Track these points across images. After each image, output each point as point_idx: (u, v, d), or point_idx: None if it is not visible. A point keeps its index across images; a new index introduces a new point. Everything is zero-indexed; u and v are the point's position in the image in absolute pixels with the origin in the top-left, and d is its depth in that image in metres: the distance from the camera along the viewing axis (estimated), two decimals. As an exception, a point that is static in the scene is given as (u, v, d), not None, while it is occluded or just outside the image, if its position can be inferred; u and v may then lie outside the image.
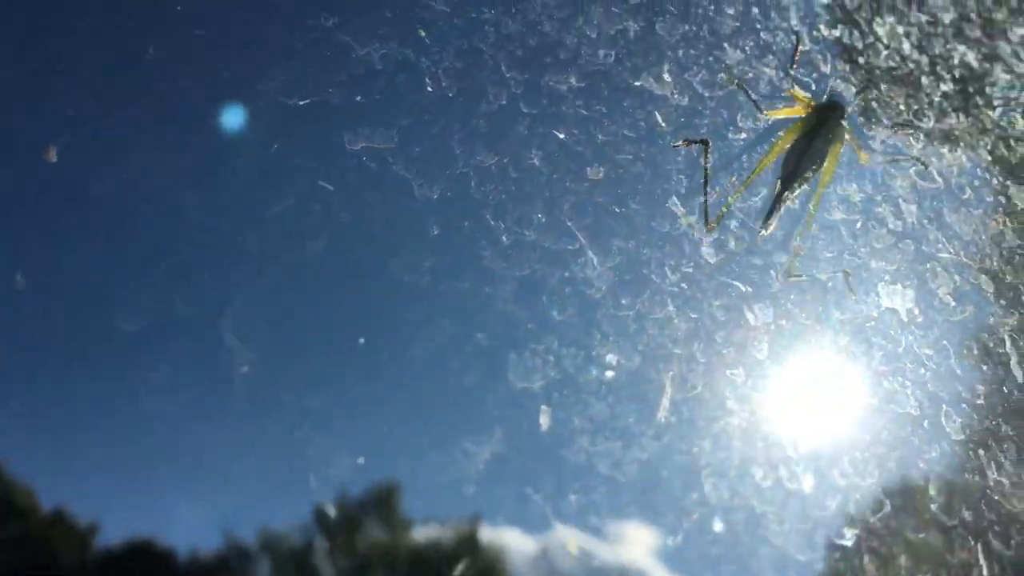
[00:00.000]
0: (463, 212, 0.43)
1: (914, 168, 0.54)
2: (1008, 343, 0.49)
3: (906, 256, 0.51)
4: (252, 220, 0.42)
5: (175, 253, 0.41)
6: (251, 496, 0.38)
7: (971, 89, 0.62)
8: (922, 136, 0.57)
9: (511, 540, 0.38)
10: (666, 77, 0.54)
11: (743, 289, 0.46)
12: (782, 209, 0.50)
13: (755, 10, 0.60)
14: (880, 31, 0.63)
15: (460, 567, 0.38)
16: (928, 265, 0.51)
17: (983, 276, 0.52)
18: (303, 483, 0.37)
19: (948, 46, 0.64)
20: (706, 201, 0.48)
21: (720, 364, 0.43)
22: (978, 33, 0.66)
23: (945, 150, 0.57)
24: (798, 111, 0.54)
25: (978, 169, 0.57)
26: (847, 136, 0.54)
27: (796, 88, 0.55)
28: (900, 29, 0.63)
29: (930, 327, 0.49)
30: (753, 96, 0.54)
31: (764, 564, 0.41)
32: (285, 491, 0.38)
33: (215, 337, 0.39)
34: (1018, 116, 0.61)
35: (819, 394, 0.43)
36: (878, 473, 0.43)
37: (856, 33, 0.62)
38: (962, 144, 0.58)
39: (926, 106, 0.59)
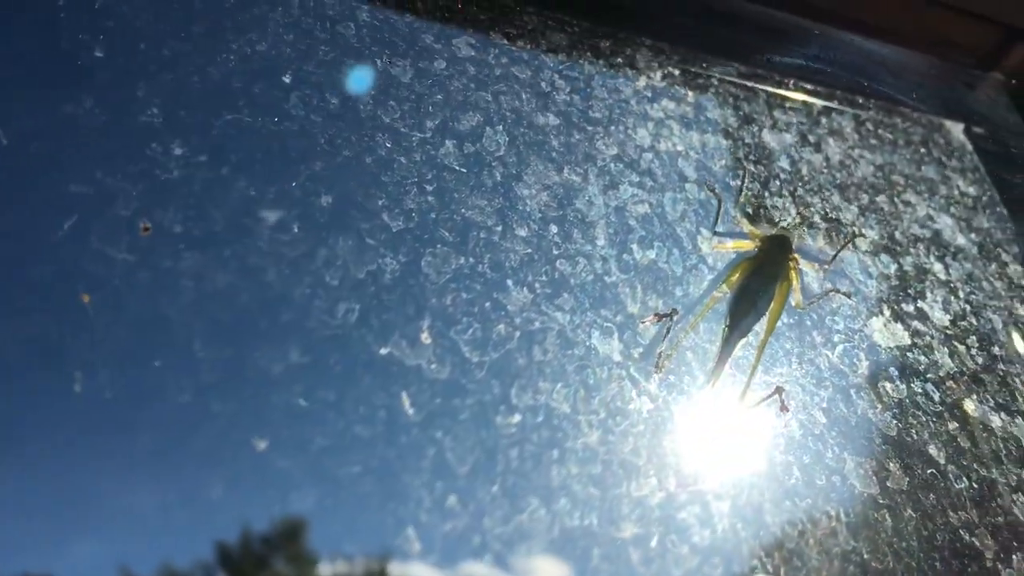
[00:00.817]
0: None
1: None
2: None
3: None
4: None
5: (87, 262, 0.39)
6: (150, 533, 0.35)
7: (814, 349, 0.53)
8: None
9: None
10: (424, 338, 0.42)
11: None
12: (730, 359, 0.48)
13: (554, 232, 0.50)
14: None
15: None
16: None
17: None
18: (205, 520, 0.36)
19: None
20: (661, 355, 0.47)
21: None
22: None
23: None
24: (745, 245, 0.53)
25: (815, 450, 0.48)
26: (793, 274, 0.52)
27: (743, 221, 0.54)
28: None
29: None
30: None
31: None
32: (186, 528, 0.36)
33: (114, 369, 0.37)
34: (862, 357, 0.52)
35: None
36: None
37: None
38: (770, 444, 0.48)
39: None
